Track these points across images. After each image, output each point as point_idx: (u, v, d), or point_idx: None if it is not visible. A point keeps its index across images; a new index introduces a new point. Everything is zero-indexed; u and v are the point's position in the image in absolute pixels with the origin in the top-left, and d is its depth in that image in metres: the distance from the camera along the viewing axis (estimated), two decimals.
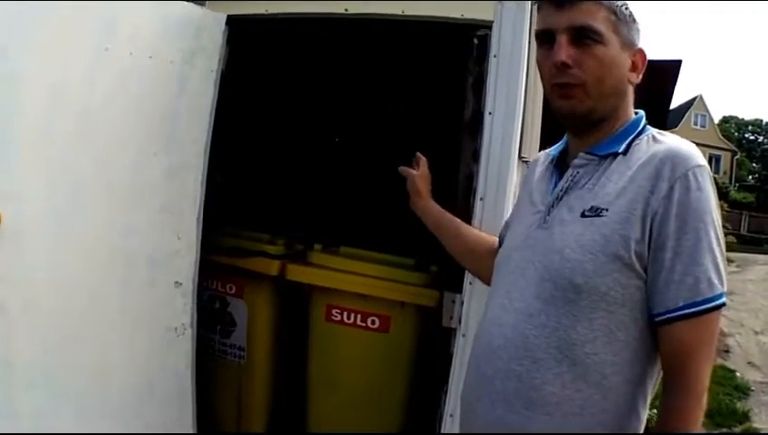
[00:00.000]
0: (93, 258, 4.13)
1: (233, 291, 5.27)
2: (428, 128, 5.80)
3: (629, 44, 2.44)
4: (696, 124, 67.27)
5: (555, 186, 2.57)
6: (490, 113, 4.16)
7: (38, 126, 3.81)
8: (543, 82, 2.54)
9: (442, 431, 4.15)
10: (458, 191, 4.34)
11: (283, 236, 5.33)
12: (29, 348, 3.85)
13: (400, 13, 4.47)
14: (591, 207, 2.35)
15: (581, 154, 2.50)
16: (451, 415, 4.07)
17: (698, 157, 2.30)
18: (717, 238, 2.26)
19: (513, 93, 4.15)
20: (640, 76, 2.51)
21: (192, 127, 4.53)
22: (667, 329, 2.26)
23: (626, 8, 2.44)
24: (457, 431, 3.02)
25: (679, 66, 8.00)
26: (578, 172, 2.49)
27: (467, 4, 4.32)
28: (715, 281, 2.24)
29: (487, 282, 2.95)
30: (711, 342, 2.26)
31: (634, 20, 2.45)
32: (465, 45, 4.39)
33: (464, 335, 4.09)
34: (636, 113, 2.55)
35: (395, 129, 6.11)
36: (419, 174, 3.76)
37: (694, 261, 2.22)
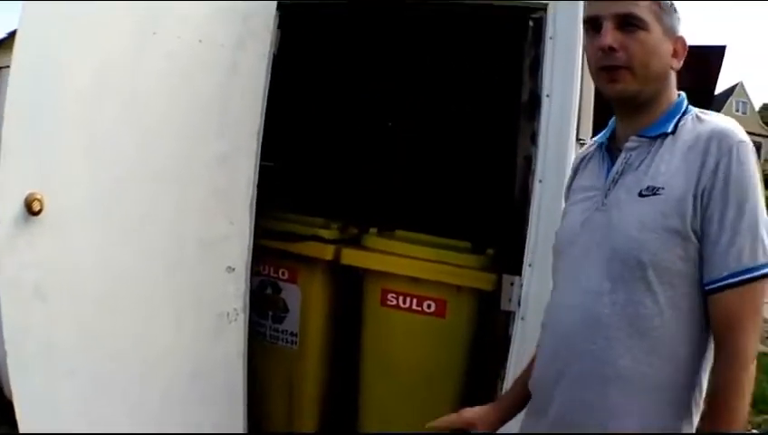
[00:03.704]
0: (140, 244, 4.12)
1: (285, 276, 5.25)
2: (485, 110, 5.78)
3: (671, 32, 2.55)
4: (737, 111, 66.87)
5: (608, 170, 2.65)
6: (548, 96, 4.17)
7: (82, 111, 3.78)
8: (590, 68, 2.63)
9: None
10: (517, 173, 4.32)
11: (337, 220, 5.32)
12: (71, 334, 3.83)
13: None
14: (648, 187, 2.45)
15: (633, 137, 2.58)
16: None
17: (741, 133, 2.43)
18: (761, 211, 2.36)
19: (570, 75, 4.16)
20: (681, 62, 2.61)
21: (244, 111, 4.52)
22: (713, 299, 2.36)
23: None
24: (518, 420, 3.01)
25: (724, 52, 7.95)
26: (630, 155, 2.58)
27: None
28: (759, 252, 2.34)
29: None
30: (756, 312, 2.36)
31: (675, 9, 2.56)
32: (521, 28, 4.36)
33: (523, 318, 4.10)
34: (678, 95, 2.65)
35: (451, 112, 6.10)
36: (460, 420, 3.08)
37: (736, 232, 2.32)
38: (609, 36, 2.47)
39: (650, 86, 2.55)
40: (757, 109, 74.30)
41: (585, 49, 2.68)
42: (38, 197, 3.53)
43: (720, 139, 2.39)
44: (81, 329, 3.86)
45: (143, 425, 4.07)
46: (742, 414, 2.29)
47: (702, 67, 2.76)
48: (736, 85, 69.11)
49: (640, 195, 2.46)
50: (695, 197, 2.35)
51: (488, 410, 3.01)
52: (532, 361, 2.95)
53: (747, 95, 70.88)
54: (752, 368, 2.30)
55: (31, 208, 3.52)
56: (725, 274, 2.32)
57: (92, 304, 3.89)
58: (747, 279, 2.31)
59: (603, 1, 2.52)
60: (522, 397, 2.94)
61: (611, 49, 2.47)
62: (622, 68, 2.49)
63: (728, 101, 66.54)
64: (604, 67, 2.52)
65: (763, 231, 2.34)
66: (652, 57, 2.50)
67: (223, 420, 4.60)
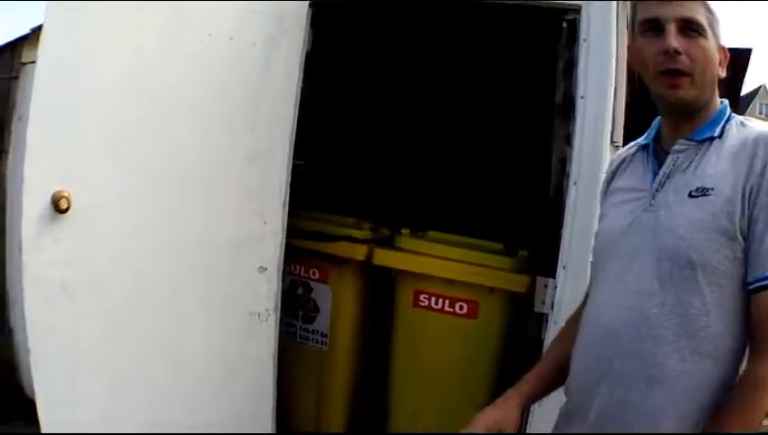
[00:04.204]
0: (170, 242, 4.12)
1: (316, 276, 5.24)
2: (519, 111, 5.77)
3: (719, 41, 2.58)
4: (760, 113, 66.63)
5: (655, 172, 2.65)
6: (582, 97, 4.16)
7: (110, 108, 3.78)
8: (645, 69, 2.62)
9: (529, 418, 4.11)
10: (551, 175, 4.30)
11: (369, 220, 5.30)
12: (96, 333, 3.84)
13: None
14: (698, 188, 2.46)
15: (681, 141, 2.59)
16: (539, 404, 4.04)
17: None
18: None
19: (605, 77, 4.15)
20: (725, 71, 2.63)
21: (277, 110, 4.50)
22: (755, 298, 2.37)
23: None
24: (551, 418, 3.01)
25: (750, 54, 7.94)
26: (678, 157, 2.58)
27: None
28: None
29: None
30: None
31: (719, 18, 2.58)
32: (555, 29, 4.35)
33: (556, 322, 4.07)
34: (721, 102, 2.67)
35: (485, 113, 6.09)
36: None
37: None
38: (675, 40, 2.47)
39: (705, 93, 2.57)
40: None
41: (639, 50, 2.64)
42: (65, 194, 3.54)
43: (767, 142, 2.42)
44: (108, 327, 3.87)
45: (168, 425, 4.06)
46: (761, 412, 2.31)
47: (727, 69, 2.78)
48: (760, 88, 68.93)
49: (690, 196, 2.47)
50: (742, 197, 2.37)
51: (509, 408, 2.92)
52: (557, 343, 3.10)
53: None
54: None
55: (58, 206, 3.52)
56: None
57: (120, 302, 3.91)
58: None
59: (666, 3, 2.52)
60: (548, 378, 2.98)
61: (677, 52, 2.47)
62: (684, 74, 2.49)
63: (752, 103, 66.37)
64: (667, 71, 2.51)
65: None
66: (709, 64, 2.53)
67: (251, 421, 4.59)
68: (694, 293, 2.40)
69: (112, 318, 3.88)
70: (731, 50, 2.65)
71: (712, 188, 2.43)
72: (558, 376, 2.91)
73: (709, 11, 2.53)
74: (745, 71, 8.13)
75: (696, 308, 2.39)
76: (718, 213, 2.38)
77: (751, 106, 65.50)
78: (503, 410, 2.90)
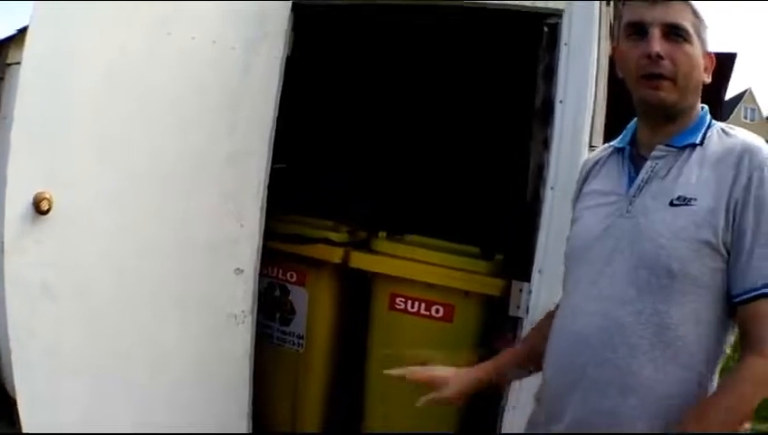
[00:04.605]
0: (149, 244, 4.12)
1: (294, 278, 5.22)
2: (497, 115, 5.78)
3: (705, 47, 2.58)
4: (745, 117, 66.87)
5: (631, 177, 2.64)
6: (561, 102, 4.16)
7: (92, 110, 3.79)
8: (628, 72, 2.61)
9: (503, 423, 4.12)
10: (528, 180, 4.30)
11: (346, 223, 5.27)
12: (77, 334, 3.85)
13: None
14: (679, 197, 2.45)
15: (660, 146, 2.58)
16: (513, 407, 4.05)
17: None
18: None
19: (584, 82, 4.16)
20: (710, 77, 2.64)
21: (256, 113, 4.50)
22: (747, 307, 2.37)
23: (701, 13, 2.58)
24: (524, 423, 3.02)
25: (734, 59, 7.93)
26: (657, 163, 2.57)
27: None
28: None
29: None
30: None
31: (706, 25, 2.59)
32: (535, 33, 4.35)
33: (530, 325, 4.05)
34: (702, 108, 2.68)
35: (463, 116, 6.10)
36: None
37: None
38: (658, 44, 2.48)
39: (687, 98, 2.58)
40: (765, 115, 74.14)
41: (622, 52, 2.65)
42: (47, 196, 3.54)
43: (752, 154, 2.43)
44: (88, 329, 3.88)
45: (147, 425, 4.07)
46: (746, 407, 2.33)
47: (712, 73, 2.79)
48: (745, 92, 69.09)
49: (671, 204, 2.46)
50: (726, 210, 2.39)
51: (466, 370, 3.11)
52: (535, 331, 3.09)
53: (756, 102, 70.85)
54: None
55: (39, 208, 3.53)
56: (760, 284, 2.35)
57: (99, 303, 3.92)
58: None
59: (650, 7, 2.53)
60: (519, 357, 3.08)
61: (659, 57, 2.48)
62: (666, 78, 2.50)
63: (737, 107, 66.50)
64: (649, 75, 2.52)
65: None
66: (694, 70, 2.53)
67: (227, 421, 4.59)
68: (671, 302, 2.40)
69: (93, 319, 3.89)
70: (716, 55, 2.65)
71: (694, 199, 2.43)
72: (530, 359, 2.95)
73: (697, 16, 2.54)
74: (729, 76, 8.12)
75: (673, 317, 2.40)
76: (701, 223, 2.39)
77: (736, 110, 65.69)
78: (456, 374, 3.10)
